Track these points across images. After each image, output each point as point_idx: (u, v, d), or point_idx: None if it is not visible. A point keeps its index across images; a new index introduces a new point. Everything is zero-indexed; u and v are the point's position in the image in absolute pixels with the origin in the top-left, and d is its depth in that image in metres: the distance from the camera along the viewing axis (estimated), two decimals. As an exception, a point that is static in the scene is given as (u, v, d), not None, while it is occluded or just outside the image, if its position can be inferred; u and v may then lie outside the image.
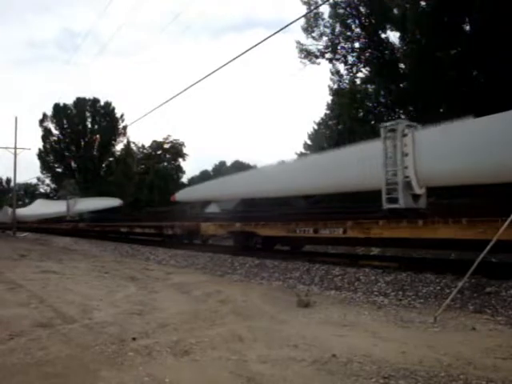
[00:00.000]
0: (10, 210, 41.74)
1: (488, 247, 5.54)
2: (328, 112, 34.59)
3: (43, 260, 12.66)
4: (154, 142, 52.07)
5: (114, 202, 30.34)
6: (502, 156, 7.15)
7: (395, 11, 20.63)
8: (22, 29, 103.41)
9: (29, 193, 59.12)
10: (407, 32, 19.55)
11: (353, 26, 22.45)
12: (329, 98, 31.61)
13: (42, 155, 51.72)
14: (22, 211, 40.15)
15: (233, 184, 14.72)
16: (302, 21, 22.49)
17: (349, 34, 22.63)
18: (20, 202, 43.03)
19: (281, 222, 11.25)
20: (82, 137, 51.58)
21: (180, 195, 18.78)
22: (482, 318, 5.33)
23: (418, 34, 18.78)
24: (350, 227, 9.31)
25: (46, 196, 47.84)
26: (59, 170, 52.64)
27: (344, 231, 9.42)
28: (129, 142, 51.16)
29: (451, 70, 17.41)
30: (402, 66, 21.34)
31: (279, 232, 11.30)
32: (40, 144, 51.77)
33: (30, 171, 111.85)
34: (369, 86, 23.76)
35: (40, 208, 38.22)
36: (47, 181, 55.47)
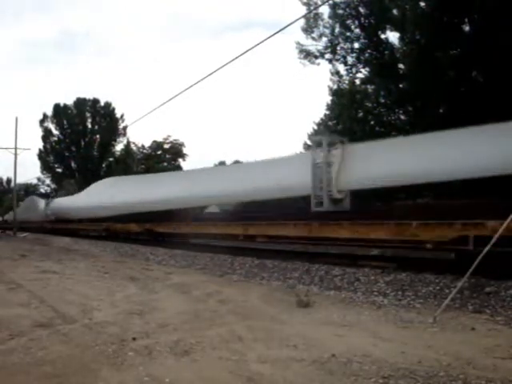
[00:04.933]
0: (42, 202, 32.64)
1: (487, 247, 5.55)
2: (328, 112, 34.60)
3: (43, 260, 12.64)
4: (154, 142, 52.22)
5: None
6: None
7: (395, 12, 20.68)
8: (21, 29, 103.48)
9: (29, 193, 59.07)
10: (407, 32, 19.59)
11: (352, 27, 22.54)
12: (328, 99, 31.67)
13: (42, 155, 51.95)
14: (73, 202, 24.74)
15: None
16: (302, 21, 22.60)
17: (348, 34, 22.71)
18: (20, 202, 42.39)
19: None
20: (82, 137, 51.77)
21: None
22: (482, 318, 5.33)
23: (418, 35, 18.82)
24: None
25: (46, 197, 46.67)
26: (59, 170, 52.88)
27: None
28: (129, 143, 51.33)
29: (451, 70, 17.47)
30: (401, 66, 21.38)
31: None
32: (40, 144, 52.02)
33: (30, 171, 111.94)
34: (368, 86, 23.81)
35: (118, 192, 18.86)
36: (47, 181, 55.79)
